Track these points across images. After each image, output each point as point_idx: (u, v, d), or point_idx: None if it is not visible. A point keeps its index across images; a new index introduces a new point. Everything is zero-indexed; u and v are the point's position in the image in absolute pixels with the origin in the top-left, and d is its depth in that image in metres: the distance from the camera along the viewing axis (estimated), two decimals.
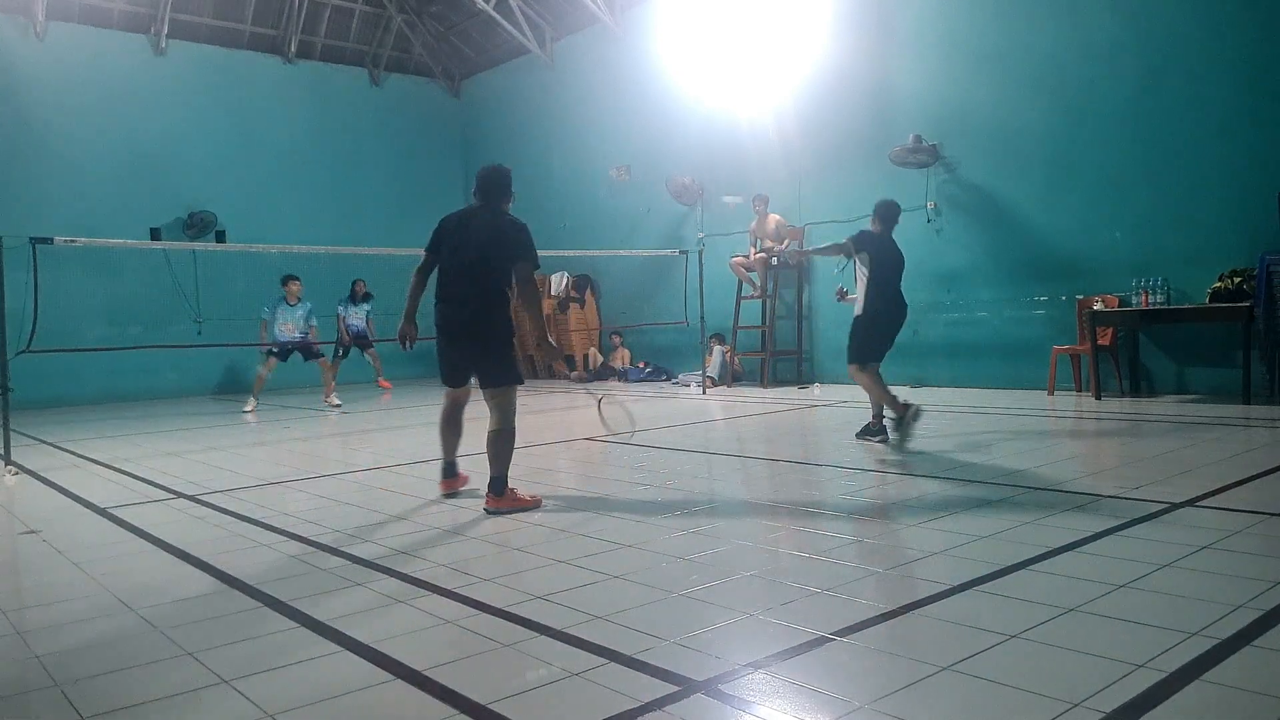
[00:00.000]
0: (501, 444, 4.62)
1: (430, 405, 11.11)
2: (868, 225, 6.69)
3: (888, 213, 6.55)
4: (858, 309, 6.44)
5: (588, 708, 2.21)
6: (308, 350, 11.12)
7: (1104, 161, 8.98)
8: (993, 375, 9.85)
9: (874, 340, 6.43)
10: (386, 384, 12.81)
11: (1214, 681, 2.22)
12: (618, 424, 6.51)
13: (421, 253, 4.82)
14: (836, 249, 6.63)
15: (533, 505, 4.60)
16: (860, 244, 6.44)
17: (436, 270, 4.75)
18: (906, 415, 6.16)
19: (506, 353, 4.73)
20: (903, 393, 8.60)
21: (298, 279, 11.02)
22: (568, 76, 15.07)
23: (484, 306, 4.61)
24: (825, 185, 11.43)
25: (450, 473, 5.03)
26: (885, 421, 6.41)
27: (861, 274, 6.41)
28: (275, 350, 10.89)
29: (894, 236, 6.65)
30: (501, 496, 4.56)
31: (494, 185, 4.74)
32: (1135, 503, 4.18)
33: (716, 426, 8.28)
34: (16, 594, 3.55)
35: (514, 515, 4.44)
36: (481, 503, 4.63)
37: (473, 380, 4.87)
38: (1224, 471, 4.84)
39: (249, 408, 10.75)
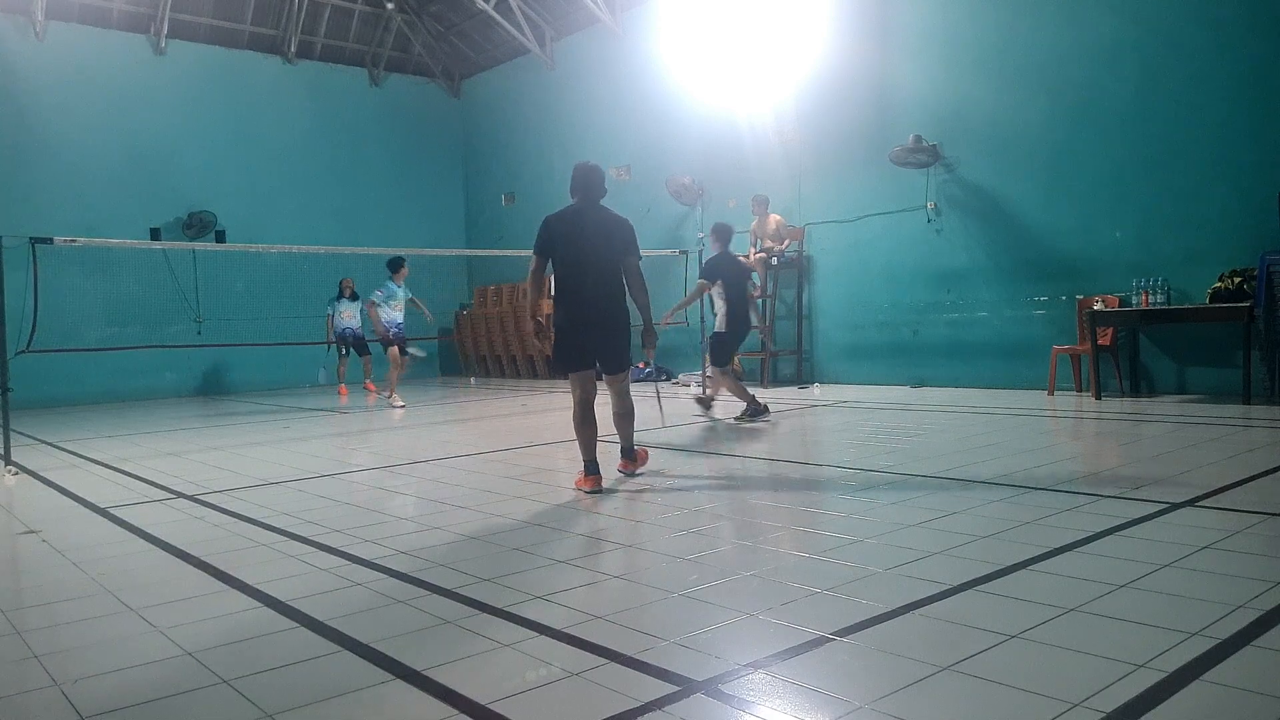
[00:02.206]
0: (629, 420, 5.28)
1: (426, 406, 11.12)
2: (710, 249, 7.76)
3: (723, 232, 7.66)
4: (720, 325, 7.59)
5: (588, 708, 2.21)
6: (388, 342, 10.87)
7: (1104, 161, 8.98)
8: (993, 375, 9.85)
9: (732, 348, 7.85)
10: (373, 386, 12.62)
11: (1214, 681, 2.22)
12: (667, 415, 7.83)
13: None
14: (698, 291, 7.72)
15: (645, 459, 5.39)
16: (712, 272, 7.44)
17: (552, 268, 5.09)
18: (755, 410, 7.50)
19: (629, 341, 5.23)
20: (903, 392, 8.62)
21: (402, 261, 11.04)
22: (568, 76, 15.07)
23: (616, 298, 5.06)
24: (825, 185, 11.42)
25: (594, 469, 5.01)
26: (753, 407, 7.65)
27: (719, 296, 7.46)
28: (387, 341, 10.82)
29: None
30: (634, 460, 5.32)
31: (597, 183, 5.11)
32: (1135, 503, 4.18)
33: (716, 426, 8.27)
34: (16, 594, 3.55)
35: (511, 514, 4.45)
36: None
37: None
38: (1224, 471, 4.83)
39: (399, 403, 10.74)
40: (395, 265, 11.00)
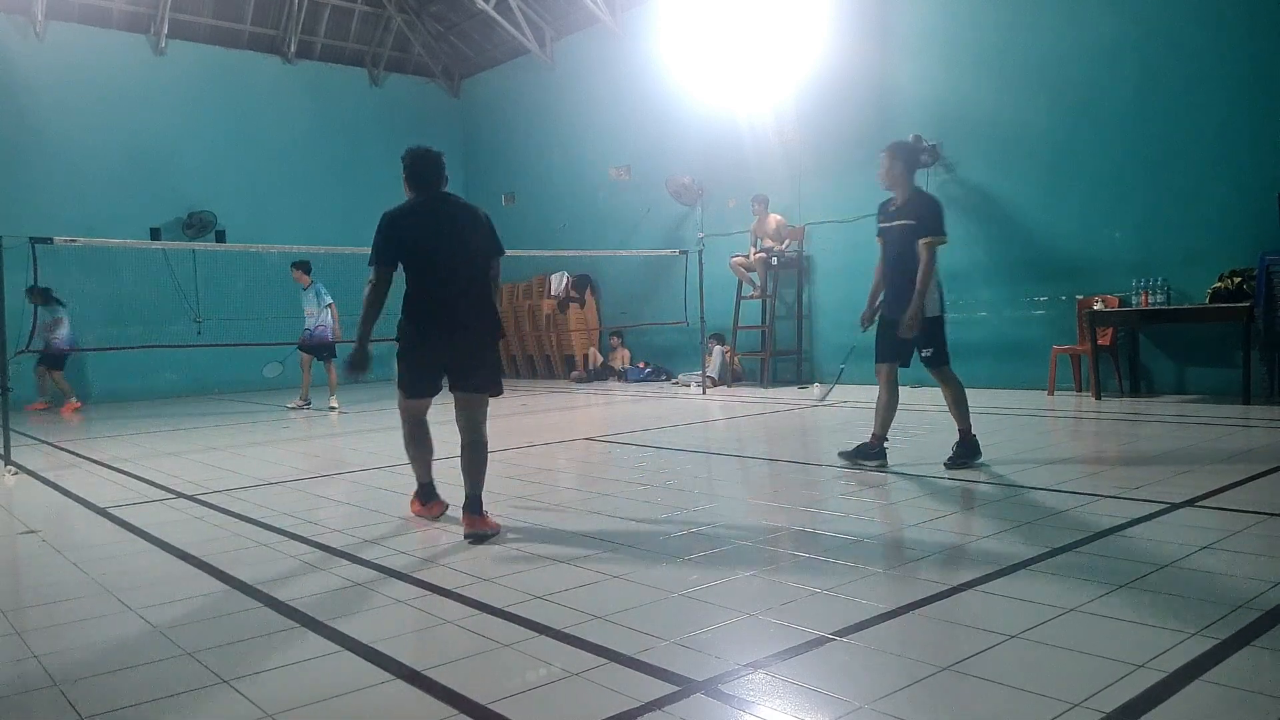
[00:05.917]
0: (480, 459, 4.10)
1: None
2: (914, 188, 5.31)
3: (913, 154, 5.36)
4: (931, 309, 5.13)
5: (588, 708, 2.21)
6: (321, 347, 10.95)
7: (1104, 161, 8.98)
8: (993, 375, 9.83)
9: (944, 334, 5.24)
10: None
11: (1214, 681, 2.22)
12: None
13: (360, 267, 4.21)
14: (933, 255, 5.08)
15: (494, 529, 4.00)
16: (940, 223, 5.08)
17: (408, 276, 4.11)
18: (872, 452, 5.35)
19: (498, 358, 4.37)
20: (903, 392, 8.52)
21: (295, 264, 11.14)
22: (568, 76, 15.06)
23: (485, 304, 4.11)
24: (825, 185, 11.42)
25: (431, 494, 4.41)
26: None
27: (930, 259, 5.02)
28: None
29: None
30: (482, 517, 3.99)
31: (441, 170, 4.16)
32: (1135, 503, 4.18)
33: (716, 426, 8.28)
34: (16, 594, 3.55)
35: (511, 514, 4.44)
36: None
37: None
38: (1224, 471, 4.83)
39: (293, 404, 10.90)
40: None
